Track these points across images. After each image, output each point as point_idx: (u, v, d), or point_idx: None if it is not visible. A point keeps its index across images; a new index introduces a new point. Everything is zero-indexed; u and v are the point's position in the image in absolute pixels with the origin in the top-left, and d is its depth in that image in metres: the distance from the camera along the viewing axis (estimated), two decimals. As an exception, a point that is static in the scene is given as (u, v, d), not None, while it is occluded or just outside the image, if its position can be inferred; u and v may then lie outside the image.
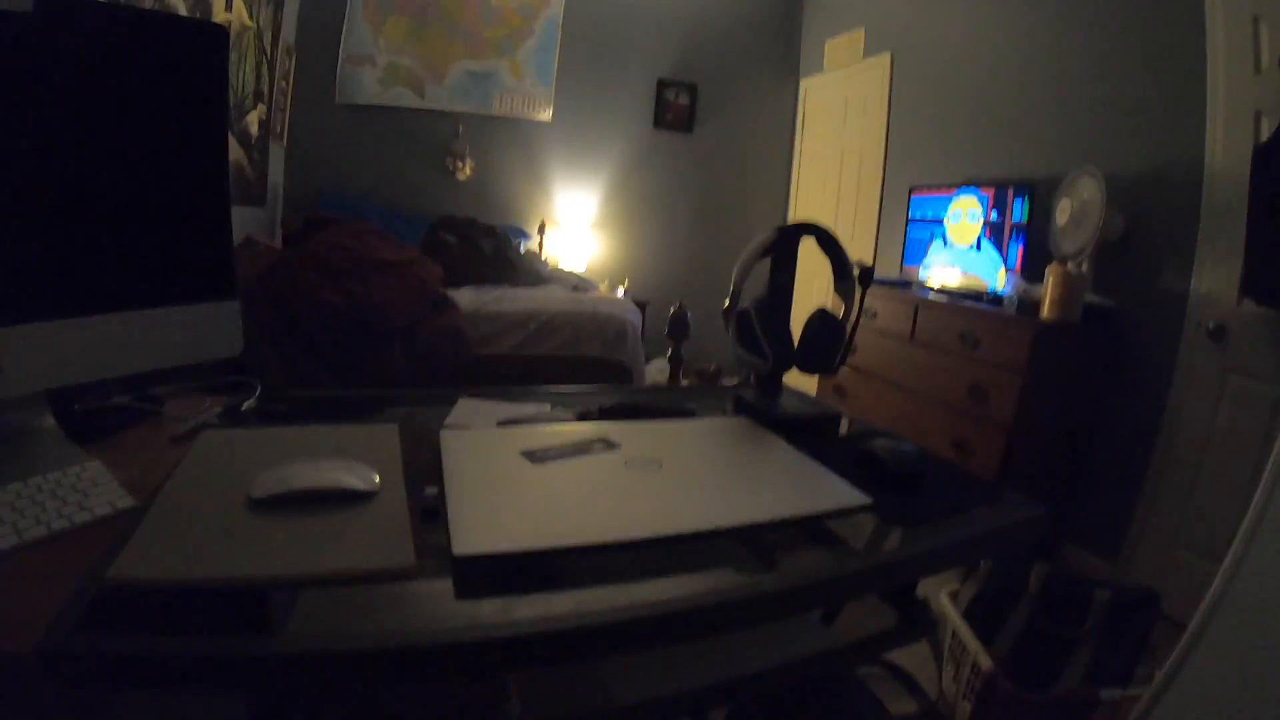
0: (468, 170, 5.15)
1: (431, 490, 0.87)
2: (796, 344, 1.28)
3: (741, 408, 1.32)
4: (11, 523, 0.75)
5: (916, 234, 3.85)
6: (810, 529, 0.89)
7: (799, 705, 1.27)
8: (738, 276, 1.24)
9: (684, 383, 3.09)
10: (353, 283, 2.66)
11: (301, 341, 2.52)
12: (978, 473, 1.21)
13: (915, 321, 3.31)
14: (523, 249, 4.79)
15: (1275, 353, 2.34)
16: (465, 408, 1.27)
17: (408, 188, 5.06)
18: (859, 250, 4.69)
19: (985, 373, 2.84)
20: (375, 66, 4.91)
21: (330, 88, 4.84)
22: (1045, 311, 2.75)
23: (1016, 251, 3.15)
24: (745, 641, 0.94)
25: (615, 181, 5.55)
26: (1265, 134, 2.35)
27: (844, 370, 1.18)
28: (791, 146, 5.86)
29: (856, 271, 1.28)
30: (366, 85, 4.91)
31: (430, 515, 0.83)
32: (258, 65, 3.82)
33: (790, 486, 0.94)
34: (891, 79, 4.57)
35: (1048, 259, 2.89)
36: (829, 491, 0.92)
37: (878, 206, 4.67)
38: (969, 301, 3.18)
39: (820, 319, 1.28)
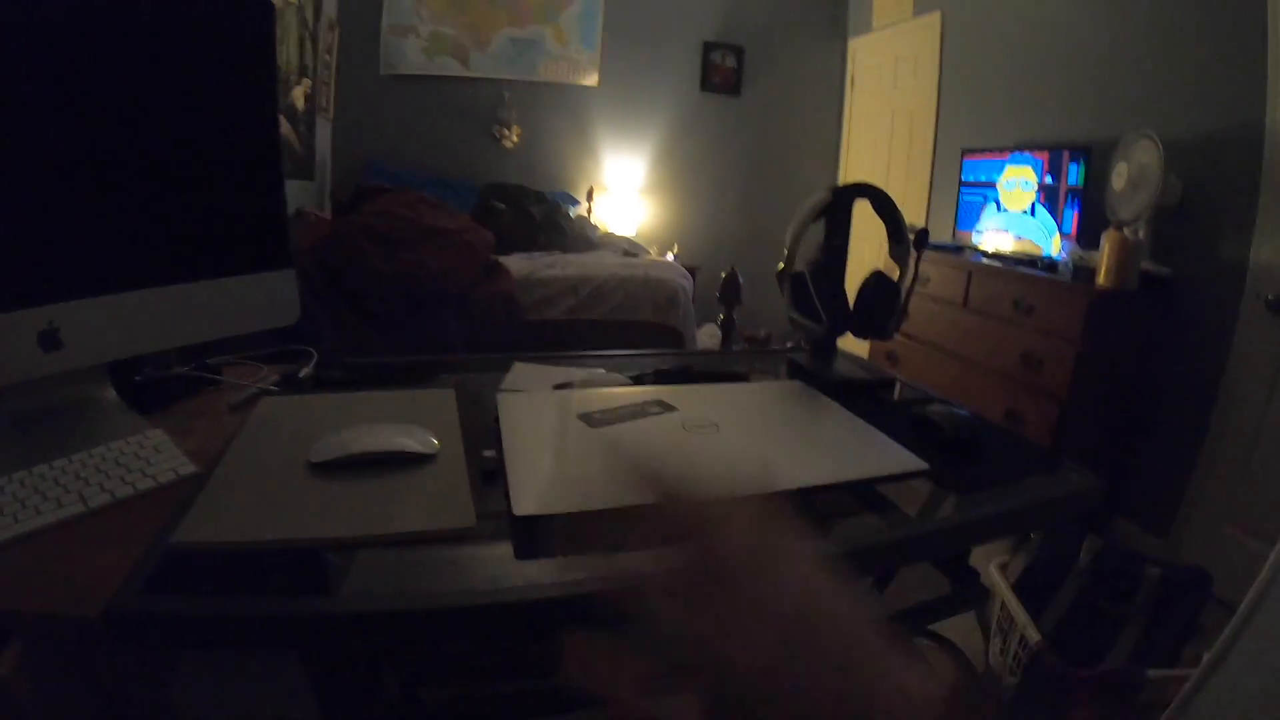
0: (515, 137, 5.15)
1: (490, 453, 0.88)
2: (851, 308, 1.27)
3: (796, 371, 1.32)
4: (78, 491, 0.77)
5: (969, 197, 3.78)
6: (866, 493, 0.89)
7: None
8: (792, 239, 1.23)
9: (735, 348, 3.08)
10: (405, 251, 2.68)
11: (356, 309, 2.56)
12: (1034, 443, 1.20)
13: (968, 287, 3.26)
14: (571, 215, 4.79)
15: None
16: (520, 372, 1.28)
17: (455, 156, 5.08)
18: (911, 214, 4.59)
19: (1039, 341, 2.80)
20: (419, 36, 4.92)
21: (374, 60, 4.86)
22: (1101, 279, 2.69)
23: (1071, 216, 3.09)
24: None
25: (663, 146, 5.52)
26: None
27: (896, 336, 1.18)
28: (841, 108, 5.77)
29: (912, 235, 1.26)
30: (410, 55, 4.92)
31: (489, 478, 0.84)
32: (300, 40, 3.85)
33: (846, 450, 0.94)
34: (942, 38, 4.47)
35: (1104, 224, 2.82)
36: (885, 456, 0.92)
37: (929, 169, 4.59)
38: (1023, 267, 3.12)
39: (876, 283, 1.27)
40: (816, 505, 0.85)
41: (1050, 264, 3.05)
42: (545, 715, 0.89)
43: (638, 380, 1.25)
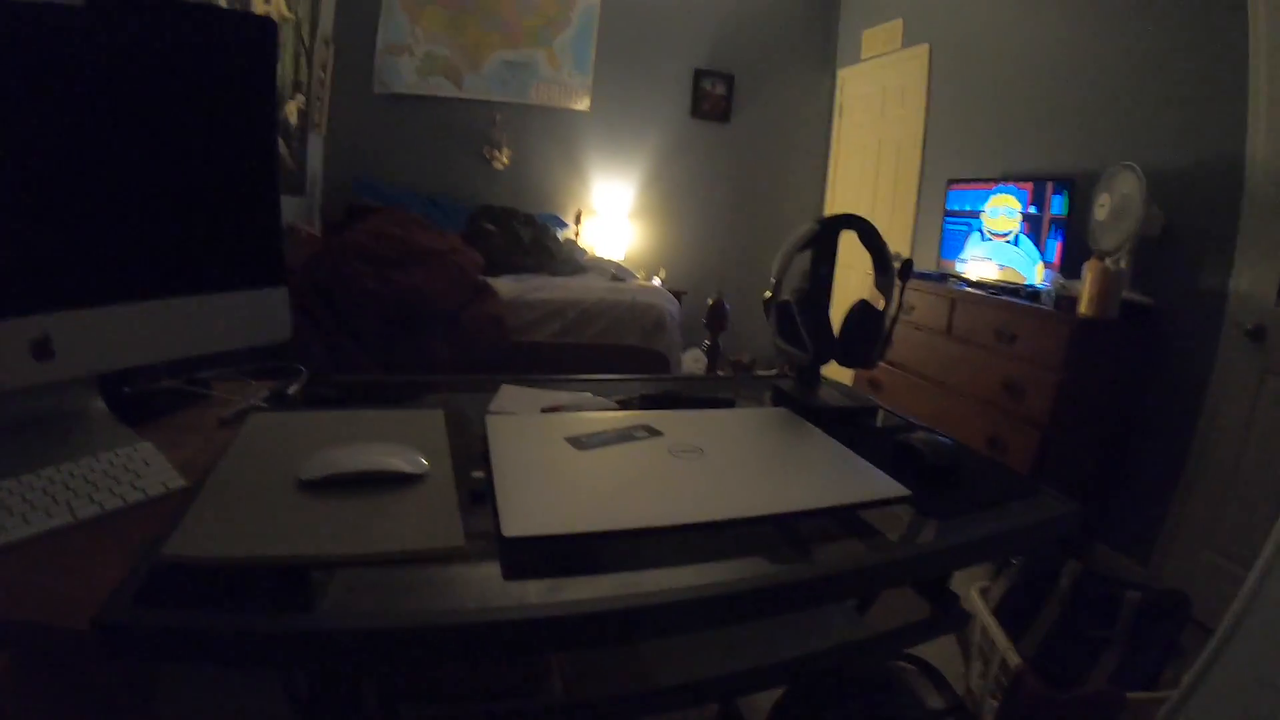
0: (505, 159, 5.18)
1: (478, 474, 0.89)
2: (836, 336, 1.30)
3: (780, 398, 1.34)
4: (66, 501, 0.77)
5: (954, 226, 3.83)
6: (848, 519, 0.91)
7: (840, 699, 1.29)
8: (779, 268, 1.25)
9: (720, 373, 3.10)
10: (395, 270, 2.70)
11: (344, 327, 2.57)
12: (1014, 470, 1.22)
13: (951, 316, 3.30)
14: (560, 238, 4.82)
15: (1316, 355, 2.32)
16: (508, 394, 1.30)
17: (445, 176, 5.10)
18: (896, 242, 4.67)
19: (1021, 369, 2.83)
20: (413, 56, 4.95)
21: (368, 77, 4.88)
22: (1083, 307, 2.73)
23: (1054, 246, 3.13)
24: (784, 628, 0.96)
25: (652, 171, 5.56)
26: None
27: (879, 363, 1.19)
28: (828, 137, 5.83)
29: (897, 265, 1.29)
30: (404, 75, 4.95)
31: (477, 498, 0.85)
32: (296, 56, 3.87)
33: (830, 476, 0.96)
34: (930, 70, 4.54)
35: (1086, 254, 2.86)
36: (868, 482, 0.94)
37: (915, 198, 4.64)
38: (1006, 296, 3.16)
39: (861, 312, 1.29)
40: (800, 530, 0.87)
41: (1033, 293, 3.09)
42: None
43: (624, 405, 1.27)
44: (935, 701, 1.42)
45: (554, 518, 0.77)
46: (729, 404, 1.31)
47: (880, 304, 1.30)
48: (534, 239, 4.35)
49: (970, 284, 3.52)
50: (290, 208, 4.00)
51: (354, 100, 4.84)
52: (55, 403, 0.97)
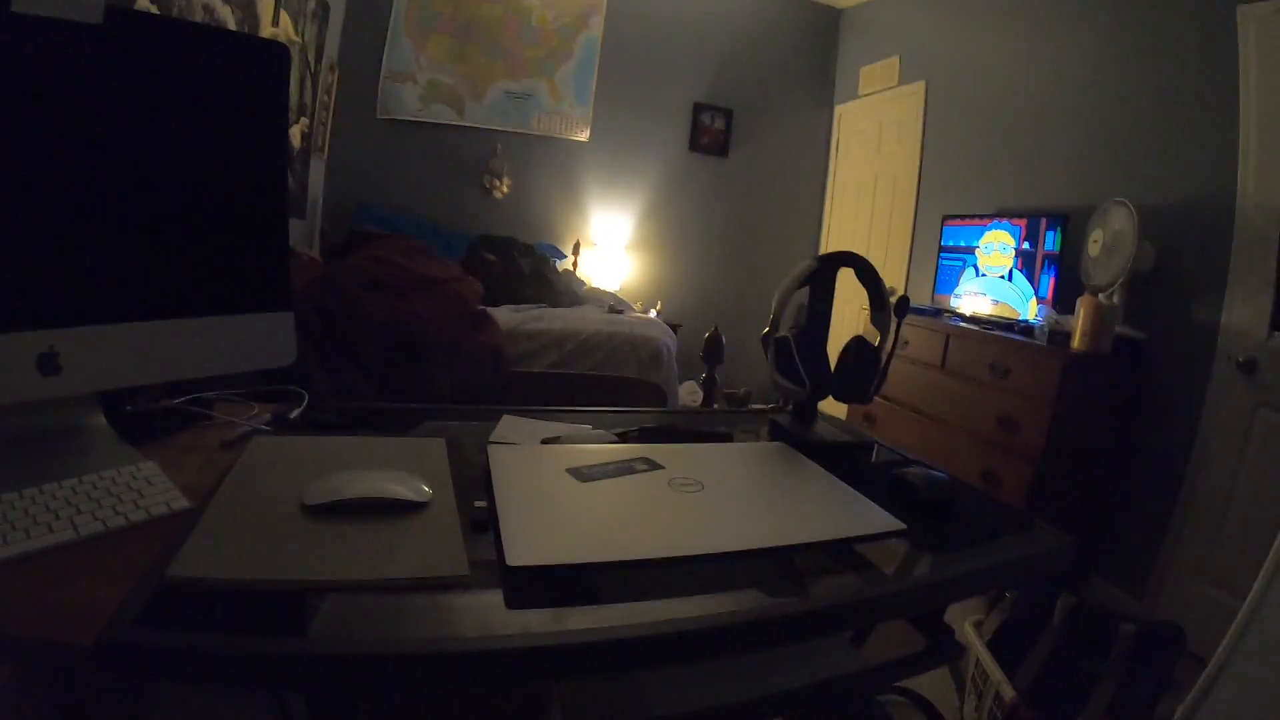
0: (505, 189, 5.21)
1: (480, 503, 0.90)
2: (833, 371, 1.32)
3: (778, 433, 1.35)
4: (69, 518, 0.77)
5: (948, 261, 3.87)
6: (845, 552, 0.92)
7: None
8: (778, 304, 1.27)
9: (715, 405, 3.11)
10: (397, 298, 2.71)
11: (345, 353, 2.58)
12: (1008, 504, 1.24)
13: (946, 350, 3.32)
14: (558, 268, 4.84)
15: (1307, 389, 2.35)
16: (508, 424, 1.31)
17: (445, 204, 5.12)
18: (891, 277, 4.71)
19: (1015, 403, 2.85)
20: (416, 83, 4.99)
21: (371, 103, 4.92)
22: (1076, 342, 2.76)
23: (1048, 282, 3.17)
24: (780, 659, 0.97)
25: (650, 203, 5.60)
26: (1299, 166, 2.36)
27: (875, 397, 1.21)
28: (825, 172, 5.89)
29: (893, 301, 1.31)
30: (407, 101, 4.99)
31: (479, 527, 0.86)
32: (301, 79, 3.91)
33: (827, 510, 0.98)
34: (926, 107, 4.60)
35: (1079, 289, 2.90)
36: (864, 516, 0.96)
37: (910, 233, 4.69)
38: (1000, 331, 3.19)
39: (857, 348, 1.31)
40: (798, 564, 0.89)
41: (1027, 328, 3.12)
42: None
43: (624, 437, 1.28)
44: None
45: (557, 548, 0.79)
46: (727, 438, 1.33)
47: (876, 340, 1.32)
48: (533, 269, 4.38)
49: (964, 319, 3.55)
50: (291, 231, 4.01)
51: (357, 125, 4.87)
52: (58, 419, 0.96)
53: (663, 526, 0.87)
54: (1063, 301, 3.05)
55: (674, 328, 4.19)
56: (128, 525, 0.79)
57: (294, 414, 1.25)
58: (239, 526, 0.79)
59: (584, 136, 5.36)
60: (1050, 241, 3.18)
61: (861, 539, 0.92)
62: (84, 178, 0.90)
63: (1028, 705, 1.73)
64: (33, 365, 0.86)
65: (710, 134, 5.65)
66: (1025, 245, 3.31)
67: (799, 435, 1.30)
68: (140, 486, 0.86)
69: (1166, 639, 1.87)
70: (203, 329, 1.05)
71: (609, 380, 3.30)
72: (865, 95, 5.36)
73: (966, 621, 2.07)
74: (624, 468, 1.03)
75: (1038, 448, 2.72)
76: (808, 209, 5.95)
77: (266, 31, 3.25)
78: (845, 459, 1.25)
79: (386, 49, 4.90)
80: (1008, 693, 1.76)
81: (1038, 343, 2.91)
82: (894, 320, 1.32)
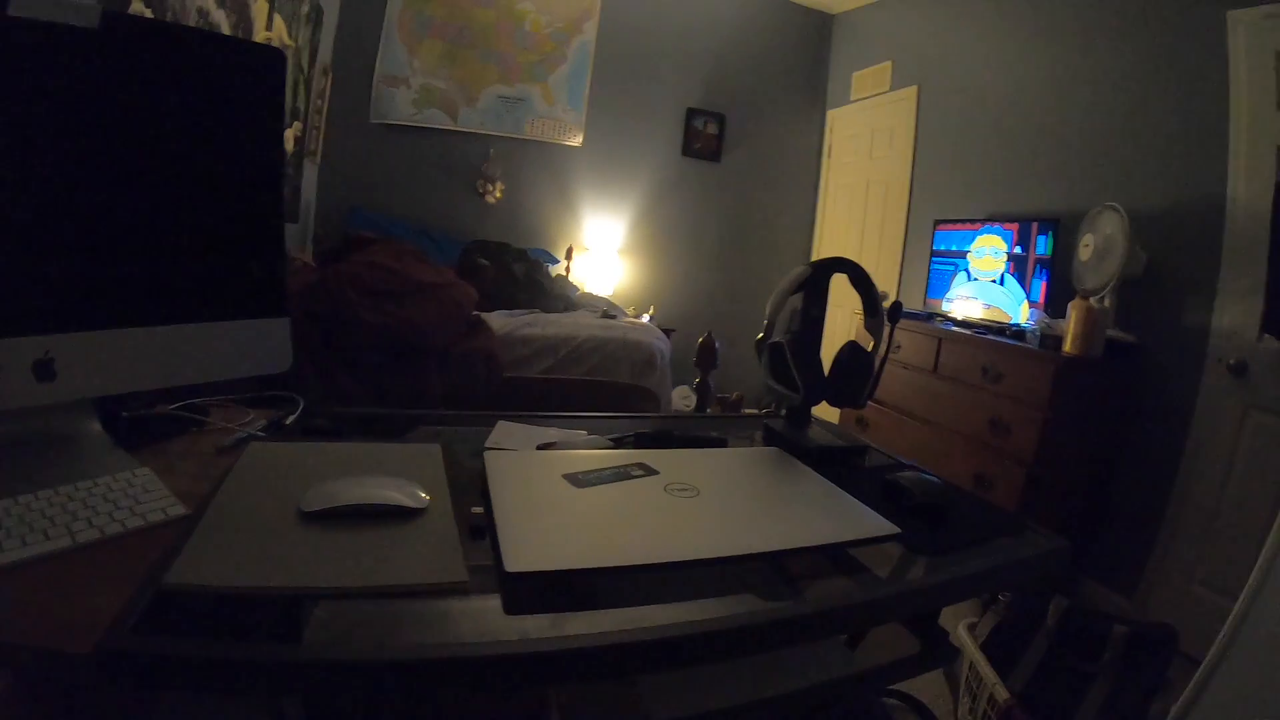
0: (497, 193, 5.21)
1: (477, 509, 0.90)
2: (826, 376, 1.32)
3: (772, 438, 1.36)
4: (65, 525, 0.77)
5: (940, 266, 3.89)
6: (839, 556, 0.93)
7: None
8: (772, 310, 1.28)
9: (709, 410, 3.12)
10: (391, 303, 2.71)
11: (339, 358, 2.58)
12: (1001, 507, 1.25)
13: (938, 355, 3.34)
14: (551, 273, 4.84)
15: (1297, 390, 2.36)
16: (503, 430, 1.31)
17: (438, 208, 5.12)
18: (883, 281, 4.72)
19: (1007, 407, 2.86)
20: (409, 88, 4.98)
21: (365, 107, 4.90)
22: (1068, 346, 2.77)
23: (1040, 286, 3.19)
24: (776, 663, 0.98)
25: (643, 208, 5.61)
26: (1288, 170, 2.38)
27: (868, 402, 1.22)
28: (818, 177, 5.91)
29: (886, 306, 1.32)
30: (400, 106, 4.98)
31: (476, 533, 0.86)
32: (295, 83, 3.90)
33: (822, 515, 0.98)
34: (918, 111, 4.62)
35: (1070, 293, 2.91)
36: (858, 520, 0.96)
37: (902, 238, 4.70)
38: (991, 335, 3.21)
39: (850, 354, 1.32)
40: (793, 568, 0.89)
41: (1018, 332, 3.13)
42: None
43: (619, 442, 1.29)
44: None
45: (555, 554, 0.79)
46: (721, 443, 1.33)
47: (869, 345, 1.33)
48: (527, 274, 4.37)
49: (957, 323, 3.56)
50: (285, 235, 4.00)
51: (350, 129, 4.85)
52: (54, 425, 0.96)
53: (659, 532, 0.87)
54: (1054, 305, 3.07)
55: (667, 333, 4.19)
56: (124, 532, 0.79)
57: (289, 420, 1.25)
58: (236, 533, 0.79)
59: (577, 141, 5.37)
60: (1042, 246, 3.19)
61: (856, 543, 0.93)
62: (79, 183, 0.90)
63: (1022, 707, 1.74)
64: (29, 371, 0.86)
65: (703, 139, 5.66)
66: (1017, 250, 3.33)
67: (793, 440, 1.30)
68: (137, 493, 0.86)
69: (1159, 640, 1.88)
70: (198, 335, 1.05)
71: (603, 386, 3.31)
72: (857, 100, 5.38)
73: (960, 624, 2.08)
74: (620, 473, 1.03)
75: (1030, 451, 2.73)
76: (800, 214, 5.97)
77: (260, 36, 3.24)
78: (839, 464, 1.26)
79: (380, 53, 4.89)
80: (1002, 695, 1.77)
81: (1029, 347, 2.92)
82: (887, 325, 1.33)
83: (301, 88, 4.05)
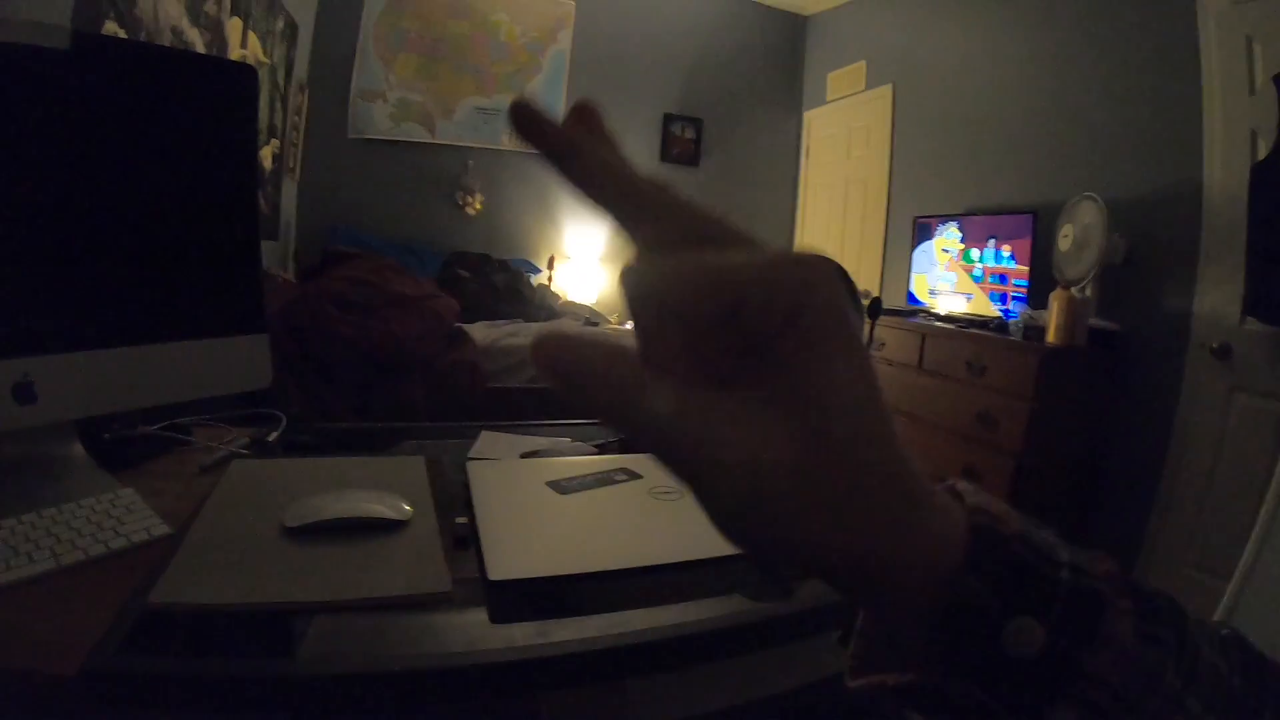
0: (478, 205, 5.21)
1: (461, 519, 0.90)
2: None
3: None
4: (49, 547, 0.76)
5: (921, 262, 3.90)
6: (827, 553, 0.92)
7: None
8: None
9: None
10: (372, 317, 2.71)
11: (321, 374, 2.57)
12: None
13: (922, 350, 3.35)
14: (533, 283, 4.84)
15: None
16: (487, 440, 1.31)
17: (418, 222, 5.12)
18: (865, 279, 4.74)
19: (993, 399, 2.87)
20: (386, 102, 4.98)
21: (342, 123, 4.90)
22: (1051, 336, 2.78)
23: (1021, 278, 3.20)
24: (768, 663, 0.97)
25: (624, 215, 5.59)
26: (1262, 153, 2.40)
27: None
28: (796, 178, 5.94)
29: (866, 303, 1.32)
30: (378, 120, 4.98)
31: (461, 544, 0.86)
32: (271, 100, 3.89)
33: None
34: (894, 109, 4.64)
35: (1052, 284, 2.93)
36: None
37: (883, 235, 4.72)
38: (975, 329, 3.22)
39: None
40: (779, 567, 0.89)
41: (1001, 324, 3.15)
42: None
43: (603, 448, 1.28)
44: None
45: (539, 561, 0.79)
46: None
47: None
48: (508, 285, 4.38)
49: (939, 318, 3.58)
50: (264, 252, 3.98)
51: (328, 145, 4.84)
52: (35, 448, 0.95)
53: (644, 535, 0.87)
54: (1036, 296, 3.08)
55: (651, 338, 4.18)
56: (108, 553, 0.79)
57: (272, 437, 1.25)
58: (220, 551, 0.79)
59: (556, 150, 5.35)
60: (1021, 237, 3.21)
61: (843, 539, 0.92)
62: (54, 204, 0.89)
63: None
64: (8, 394, 0.85)
65: (681, 144, 5.68)
66: (997, 242, 3.34)
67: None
68: (120, 514, 0.85)
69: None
70: (178, 354, 1.04)
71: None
72: (833, 101, 5.41)
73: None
74: (603, 479, 1.03)
75: (1018, 442, 2.74)
76: (780, 215, 5.99)
77: (235, 54, 3.24)
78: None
79: (356, 68, 4.89)
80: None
81: (1013, 338, 2.94)
82: (867, 322, 1.33)
83: (278, 105, 4.04)
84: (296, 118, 4.48)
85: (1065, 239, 2.97)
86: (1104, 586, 0.24)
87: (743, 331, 0.22)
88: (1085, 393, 2.83)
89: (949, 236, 3.64)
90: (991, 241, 3.38)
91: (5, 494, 0.85)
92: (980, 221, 3.50)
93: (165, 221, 1.02)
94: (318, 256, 3.98)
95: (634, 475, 1.05)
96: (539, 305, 4.39)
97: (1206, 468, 2.58)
